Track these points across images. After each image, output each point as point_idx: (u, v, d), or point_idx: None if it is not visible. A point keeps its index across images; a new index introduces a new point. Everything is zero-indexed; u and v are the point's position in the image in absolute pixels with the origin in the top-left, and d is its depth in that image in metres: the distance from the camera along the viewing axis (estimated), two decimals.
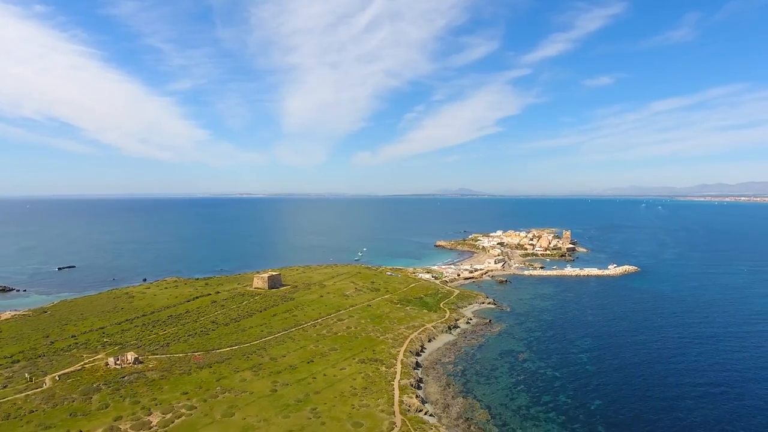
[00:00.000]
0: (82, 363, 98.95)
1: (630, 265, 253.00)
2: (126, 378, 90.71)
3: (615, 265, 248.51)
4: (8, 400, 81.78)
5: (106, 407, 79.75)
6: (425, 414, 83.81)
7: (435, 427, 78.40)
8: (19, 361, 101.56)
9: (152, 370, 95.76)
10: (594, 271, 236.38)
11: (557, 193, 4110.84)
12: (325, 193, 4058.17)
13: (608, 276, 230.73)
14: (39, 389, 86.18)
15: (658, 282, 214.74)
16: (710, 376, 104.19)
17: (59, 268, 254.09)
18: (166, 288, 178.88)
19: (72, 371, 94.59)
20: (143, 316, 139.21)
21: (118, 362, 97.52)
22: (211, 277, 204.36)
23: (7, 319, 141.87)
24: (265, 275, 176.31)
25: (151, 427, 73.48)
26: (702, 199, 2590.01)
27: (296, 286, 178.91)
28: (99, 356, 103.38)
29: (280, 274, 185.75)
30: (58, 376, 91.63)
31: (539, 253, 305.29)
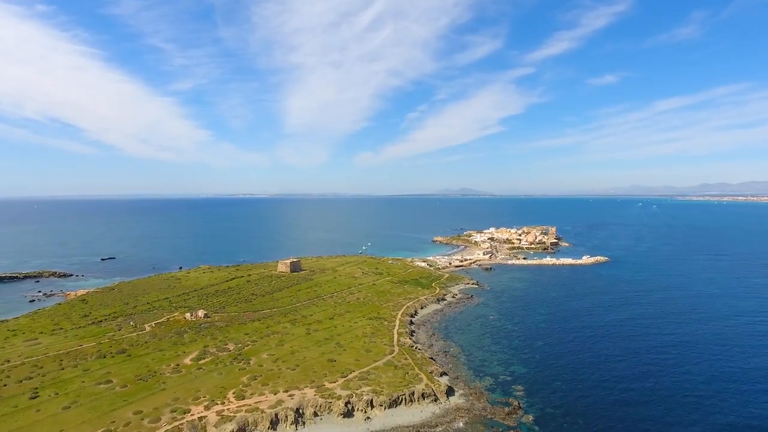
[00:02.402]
0: (167, 317, 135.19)
1: (602, 256, 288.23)
2: (202, 325, 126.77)
3: (588, 256, 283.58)
4: (126, 337, 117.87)
5: (195, 340, 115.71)
6: (415, 348, 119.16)
7: (421, 353, 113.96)
8: (117, 317, 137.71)
9: (218, 321, 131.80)
10: (568, 261, 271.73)
11: (559, 193, 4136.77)
12: (327, 193, 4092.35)
13: (580, 265, 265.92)
14: (144, 331, 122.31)
15: (622, 269, 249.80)
16: (628, 327, 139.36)
17: (102, 259, 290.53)
18: (203, 273, 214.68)
19: (162, 321, 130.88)
20: (194, 291, 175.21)
21: (192, 317, 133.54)
22: (239, 265, 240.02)
23: (84, 294, 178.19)
24: (288, 261, 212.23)
25: (230, 351, 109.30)
26: (701, 198, 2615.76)
27: (313, 271, 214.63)
28: (175, 314, 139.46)
29: (299, 260, 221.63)
30: (154, 323, 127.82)
31: (525, 246, 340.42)
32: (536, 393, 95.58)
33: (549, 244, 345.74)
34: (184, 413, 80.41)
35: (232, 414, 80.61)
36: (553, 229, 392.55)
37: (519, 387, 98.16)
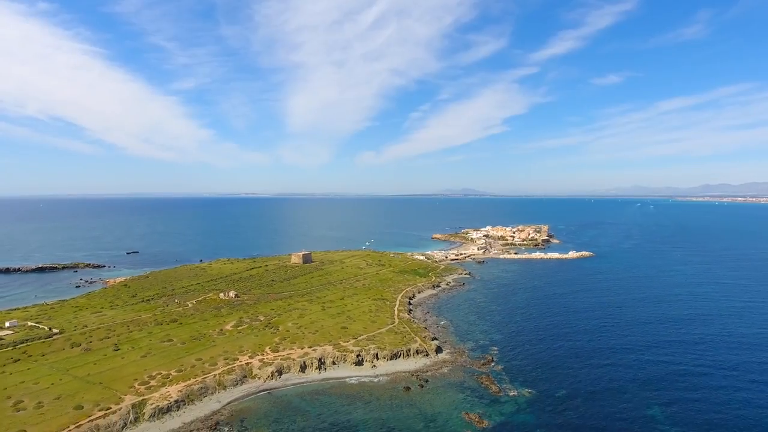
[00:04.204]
0: (203, 296, 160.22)
1: (587, 251, 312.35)
2: (235, 303, 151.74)
3: (574, 252, 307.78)
4: (174, 311, 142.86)
5: (231, 313, 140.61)
6: (412, 321, 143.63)
7: (417, 324, 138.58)
8: (161, 297, 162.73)
9: (247, 300, 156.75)
10: (555, 255, 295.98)
11: (561, 193, 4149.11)
12: (329, 193, 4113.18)
13: (566, 259, 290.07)
14: (187, 307, 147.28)
15: (603, 263, 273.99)
16: (594, 306, 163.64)
17: (127, 253, 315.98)
18: (224, 264, 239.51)
19: (201, 300, 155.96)
20: (221, 278, 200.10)
21: (225, 296, 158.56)
22: (255, 258, 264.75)
23: (123, 280, 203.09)
24: (300, 254, 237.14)
25: (261, 321, 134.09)
26: (702, 199, 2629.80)
27: (323, 262, 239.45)
28: (210, 294, 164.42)
29: (310, 253, 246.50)
30: (195, 301, 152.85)
31: (517, 242, 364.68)
32: (507, 352, 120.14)
33: (540, 241, 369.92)
34: (234, 360, 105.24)
35: (270, 361, 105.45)
36: (546, 228, 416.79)
37: (494, 348, 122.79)
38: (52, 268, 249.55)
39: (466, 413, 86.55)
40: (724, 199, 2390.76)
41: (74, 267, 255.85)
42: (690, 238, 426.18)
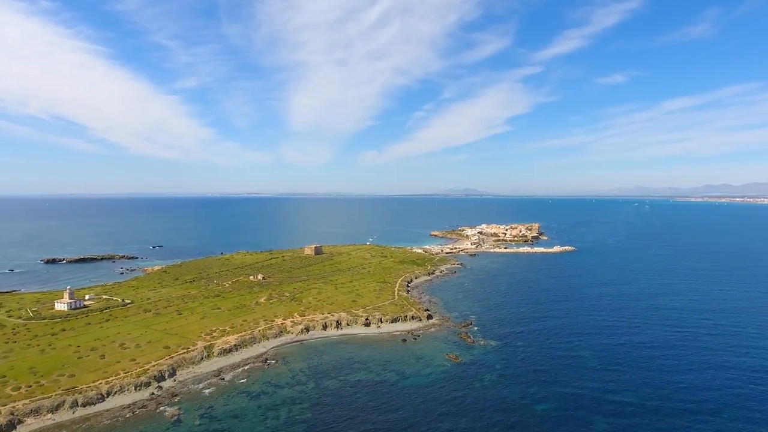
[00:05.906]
0: (236, 279, 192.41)
1: (571, 246, 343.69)
2: (263, 284, 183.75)
3: (559, 246, 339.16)
4: (216, 289, 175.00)
5: (262, 291, 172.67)
6: (410, 297, 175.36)
7: (414, 299, 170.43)
8: (200, 279, 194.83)
9: (273, 282, 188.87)
10: (540, 250, 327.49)
11: (563, 194, 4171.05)
12: (331, 192, 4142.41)
13: (550, 253, 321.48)
14: (225, 286, 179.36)
15: (582, 256, 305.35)
16: (560, 287, 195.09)
17: (153, 247, 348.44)
18: (245, 255, 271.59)
19: (235, 281, 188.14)
20: (245, 266, 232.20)
21: (254, 279, 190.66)
22: (271, 251, 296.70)
23: (161, 268, 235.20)
24: (312, 246, 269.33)
25: (287, 296, 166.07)
26: (701, 200, 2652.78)
27: (332, 254, 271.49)
28: (240, 277, 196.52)
29: (321, 246, 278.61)
30: (230, 282, 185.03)
31: (508, 239, 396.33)
32: (484, 318, 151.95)
33: (530, 238, 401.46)
34: (271, 321, 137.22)
35: (299, 322, 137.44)
36: (536, 225, 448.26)
37: (474, 316, 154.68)
38: (92, 259, 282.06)
39: (447, 354, 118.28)
40: (723, 200, 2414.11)
41: (111, 258, 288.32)
42: (670, 236, 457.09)
